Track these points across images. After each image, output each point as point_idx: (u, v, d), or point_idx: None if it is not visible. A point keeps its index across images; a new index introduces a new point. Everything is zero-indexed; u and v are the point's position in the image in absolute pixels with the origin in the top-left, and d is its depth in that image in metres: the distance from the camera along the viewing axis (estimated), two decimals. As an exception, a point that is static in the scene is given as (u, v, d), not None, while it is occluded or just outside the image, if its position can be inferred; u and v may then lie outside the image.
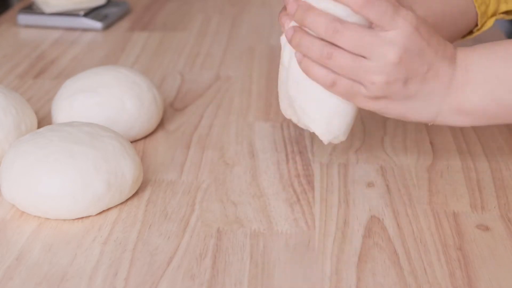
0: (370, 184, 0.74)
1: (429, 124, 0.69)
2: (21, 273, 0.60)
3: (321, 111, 0.68)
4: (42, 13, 1.24)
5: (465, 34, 0.85)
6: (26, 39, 1.21)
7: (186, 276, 0.60)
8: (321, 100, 0.67)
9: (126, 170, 0.69)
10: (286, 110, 0.70)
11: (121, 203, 0.70)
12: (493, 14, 0.85)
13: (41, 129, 0.71)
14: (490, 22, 0.85)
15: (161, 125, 0.88)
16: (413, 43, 0.63)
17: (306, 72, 0.66)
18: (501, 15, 0.85)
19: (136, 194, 0.72)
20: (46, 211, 0.67)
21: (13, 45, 1.17)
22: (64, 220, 0.68)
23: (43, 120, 0.88)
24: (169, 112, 0.91)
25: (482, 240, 0.65)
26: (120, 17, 1.31)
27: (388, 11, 0.62)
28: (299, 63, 0.66)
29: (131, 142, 0.81)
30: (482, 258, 0.62)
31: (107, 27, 1.25)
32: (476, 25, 0.84)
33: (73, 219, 0.68)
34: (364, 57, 0.63)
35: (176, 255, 0.63)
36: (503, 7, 0.84)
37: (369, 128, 0.87)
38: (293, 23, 0.67)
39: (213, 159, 0.80)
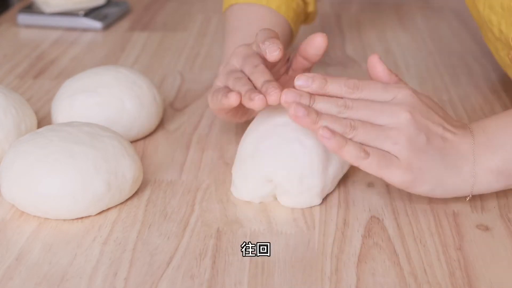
0: (370, 184, 0.74)
1: (468, 198, 0.68)
2: (21, 273, 0.60)
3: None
4: (42, 13, 1.24)
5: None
6: (26, 39, 1.21)
7: (186, 276, 0.60)
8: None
9: (126, 170, 0.69)
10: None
11: (121, 203, 0.70)
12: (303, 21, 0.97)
13: (41, 129, 0.71)
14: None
15: (161, 125, 0.88)
16: (417, 103, 0.65)
17: (338, 149, 0.63)
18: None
19: (136, 194, 0.72)
20: (46, 211, 0.67)
21: (13, 45, 1.17)
22: (64, 220, 0.68)
23: (43, 120, 0.88)
24: (169, 112, 0.91)
25: (482, 240, 0.65)
26: (120, 17, 1.31)
27: (381, 86, 0.66)
28: (327, 141, 0.63)
29: (131, 142, 0.81)
30: (482, 258, 0.62)
31: (107, 27, 1.25)
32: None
33: (73, 219, 0.68)
34: (381, 125, 0.65)
35: (176, 255, 0.63)
36: (309, 8, 0.96)
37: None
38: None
39: (213, 159, 0.80)
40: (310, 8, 0.96)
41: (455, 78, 1.03)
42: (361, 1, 1.41)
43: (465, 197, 0.67)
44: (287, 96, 0.65)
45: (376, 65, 0.69)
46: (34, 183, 0.66)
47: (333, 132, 0.63)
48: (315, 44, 0.73)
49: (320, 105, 0.65)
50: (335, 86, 0.66)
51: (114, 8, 1.30)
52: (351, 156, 0.63)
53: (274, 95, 0.65)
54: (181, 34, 1.23)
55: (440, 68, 1.07)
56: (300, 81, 0.65)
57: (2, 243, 0.65)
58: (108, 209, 0.69)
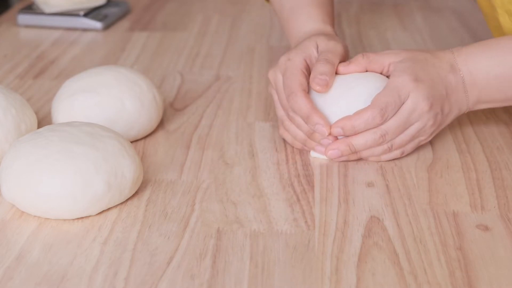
0: (370, 184, 0.74)
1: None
2: (21, 273, 0.60)
3: None
4: (42, 13, 1.24)
5: None
6: (26, 39, 1.21)
7: (186, 276, 0.60)
8: None
9: (126, 170, 0.69)
10: None
11: (121, 203, 0.70)
12: None
13: (41, 129, 0.71)
14: None
15: (161, 125, 0.88)
16: (425, 89, 0.75)
17: (378, 159, 0.79)
18: None
19: (136, 194, 0.72)
20: (46, 211, 0.67)
21: (13, 45, 1.17)
22: (64, 220, 0.68)
23: (43, 120, 0.88)
24: (169, 112, 0.92)
25: (482, 240, 0.65)
26: (120, 17, 1.31)
27: (394, 95, 0.74)
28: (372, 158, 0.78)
29: (131, 142, 0.81)
30: (482, 258, 0.62)
31: (107, 27, 1.25)
32: None
33: (73, 219, 0.68)
34: (410, 126, 0.76)
35: (176, 255, 0.63)
36: None
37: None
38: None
39: (213, 159, 0.80)
40: None
41: (455, 78, 1.03)
42: (361, 1, 1.41)
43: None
44: (332, 155, 0.77)
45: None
46: (34, 183, 0.66)
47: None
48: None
49: (360, 144, 0.76)
50: (365, 125, 0.75)
51: (114, 8, 1.30)
52: (388, 159, 0.78)
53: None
54: (181, 34, 1.23)
55: (440, 68, 1.07)
56: (335, 131, 0.76)
57: (2, 243, 0.65)
58: (108, 209, 0.69)
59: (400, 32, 1.24)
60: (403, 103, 0.75)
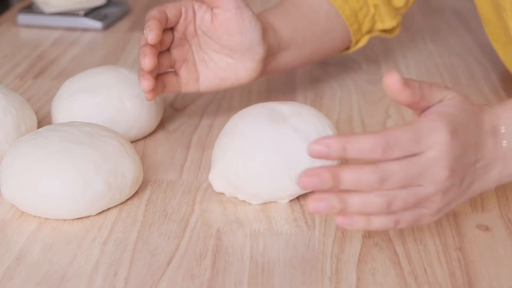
0: (370, 184, 0.74)
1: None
2: (21, 273, 0.60)
3: None
4: (42, 13, 1.24)
5: (342, 49, 0.94)
6: (26, 39, 1.21)
7: (186, 276, 0.60)
8: None
9: (126, 170, 0.69)
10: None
11: (121, 203, 0.70)
12: (368, 32, 0.93)
13: (41, 129, 0.71)
14: (365, 39, 0.93)
15: (161, 125, 0.88)
16: (455, 149, 0.57)
17: (367, 226, 0.57)
18: (377, 33, 0.95)
19: (136, 194, 0.72)
20: (46, 211, 0.67)
21: (13, 45, 1.17)
22: (64, 220, 0.68)
23: (43, 120, 0.88)
24: (169, 112, 0.91)
25: (482, 240, 0.65)
26: (120, 17, 1.31)
27: (413, 137, 0.56)
28: (354, 224, 0.57)
29: (131, 142, 0.81)
30: (482, 258, 0.62)
31: (107, 27, 1.25)
32: (351, 41, 0.92)
33: (73, 219, 0.68)
34: (418, 185, 0.57)
35: (176, 255, 0.63)
36: (379, 26, 0.93)
37: (369, 128, 0.87)
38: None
39: (213, 159, 0.80)
40: (381, 24, 0.92)
41: (455, 78, 1.03)
42: (361, 1, 1.41)
43: None
44: (306, 184, 0.55)
45: (395, 89, 0.57)
46: (34, 183, 0.66)
47: (351, 217, 0.57)
48: None
49: (349, 182, 0.55)
50: (359, 152, 0.55)
51: (114, 8, 1.30)
52: (378, 228, 0.58)
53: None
54: (181, 34, 1.23)
55: (440, 68, 1.07)
56: (315, 148, 0.54)
57: (2, 243, 0.65)
58: (108, 209, 0.69)
59: (400, 32, 1.23)
60: (418, 154, 0.57)
